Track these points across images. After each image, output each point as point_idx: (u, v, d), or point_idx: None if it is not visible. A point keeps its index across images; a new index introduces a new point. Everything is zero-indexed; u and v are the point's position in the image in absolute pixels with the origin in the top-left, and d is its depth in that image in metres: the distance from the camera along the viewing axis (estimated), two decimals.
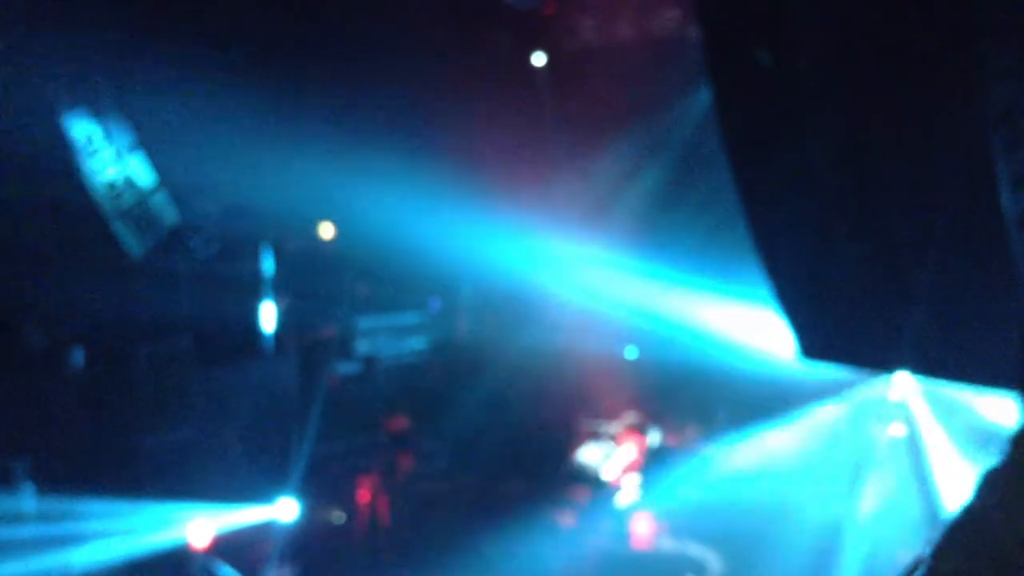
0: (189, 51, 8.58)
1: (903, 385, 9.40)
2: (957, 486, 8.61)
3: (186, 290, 9.71)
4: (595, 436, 10.95)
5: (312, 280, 10.78)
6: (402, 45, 10.02)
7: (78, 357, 9.09)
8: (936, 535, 1.65)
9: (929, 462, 9.42)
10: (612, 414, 11.09)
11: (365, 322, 11.50)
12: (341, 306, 11.00)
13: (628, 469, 10.61)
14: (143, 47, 8.39)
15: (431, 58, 10.31)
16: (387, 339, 11.68)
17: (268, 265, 10.47)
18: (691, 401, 10.94)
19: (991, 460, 1.72)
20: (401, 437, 10.92)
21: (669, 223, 10.73)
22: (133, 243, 8.77)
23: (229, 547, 9.04)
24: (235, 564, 8.96)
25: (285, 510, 9.33)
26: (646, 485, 10.46)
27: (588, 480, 10.58)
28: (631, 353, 11.82)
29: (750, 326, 9.79)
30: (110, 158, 7.69)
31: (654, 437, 10.92)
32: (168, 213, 9.24)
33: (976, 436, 8.54)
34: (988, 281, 2.78)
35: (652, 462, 10.69)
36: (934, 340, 2.97)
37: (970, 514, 1.62)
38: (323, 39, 9.59)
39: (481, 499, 10.07)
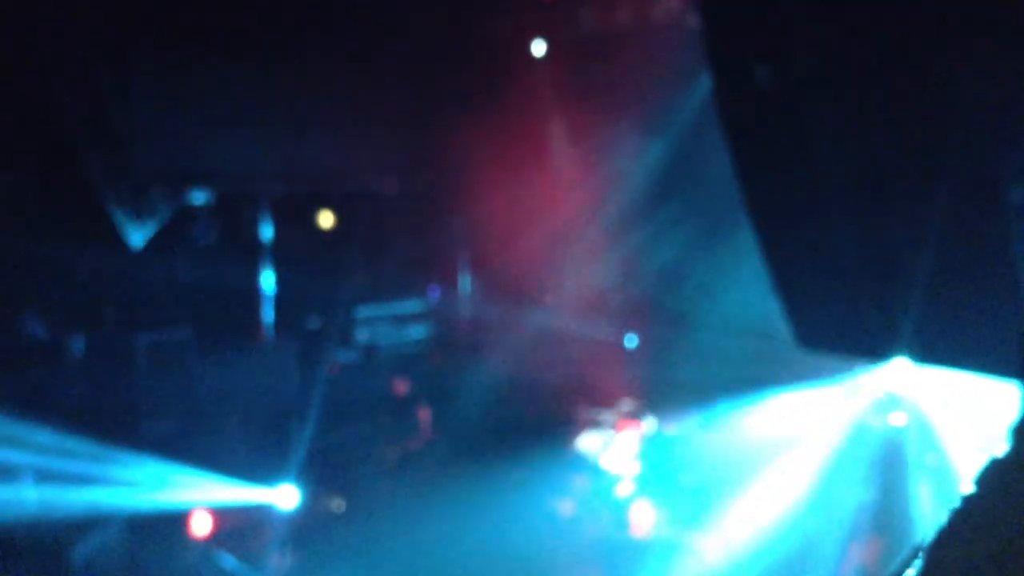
0: (186, 38, 8.56)
1: (903, 373, 9.40)
2: (959, 475, 8.62)
3: (185, 278, 9.72)
4: (595, 424, 10.96)
5: (312, 268, 10.79)
6: (399, 32, 10.00)
7: (78, 346, 9.10)
8: (937, 524, 1.65)
9: (930, 451, 9.43)
10: (611, 402, 11.10)
11: (365, 311, 11.50)
12: (341, 294, 11.01)
13: (627, 457, 10.62)
14: (137, 36, 8.37)
15: (428, 46, 10.28)
16: (387, 328, 11.68)
17: (267, 253, 10.48)
18: (690, 389, 10.94)
19: (993, 449, 1.72)
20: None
21: (669, 209, 10.72)
22: (132, 232, 8.77)
23: (230, 535, 9.06)
24: (236, 552, 8.99)
25: (285, 498, 9.35)
26: (645, 473, 10.47)
27: (587, 468, 10.60)
28: (630, 341, 11.83)
29: (749, 313, 9.79)
30: None
31: (653, 425, 10.92)
32: (167, 202, 9.23)
33: (977, 425, 8.53)
34: (987, 268, 2.78)
35: (651, 450, 10.70)
36: (934, 327, 2.97)
37: (971, 503, 1.62)
38: (318, 26, 9.56)
39: (481, 487, 10.08)
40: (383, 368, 11.42)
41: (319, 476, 9.84)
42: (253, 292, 10.38)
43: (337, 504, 10.17)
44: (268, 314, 10.44)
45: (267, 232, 10.49)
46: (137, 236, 8.75)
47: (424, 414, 11.15)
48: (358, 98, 10.08)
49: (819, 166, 2.92)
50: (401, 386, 11.36)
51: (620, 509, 10.19)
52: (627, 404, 11.07)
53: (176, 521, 8.81)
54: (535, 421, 10.94)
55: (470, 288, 12.19)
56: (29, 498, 7.98)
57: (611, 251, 11.15)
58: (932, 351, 3.09)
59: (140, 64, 8.69)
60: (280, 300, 10.50)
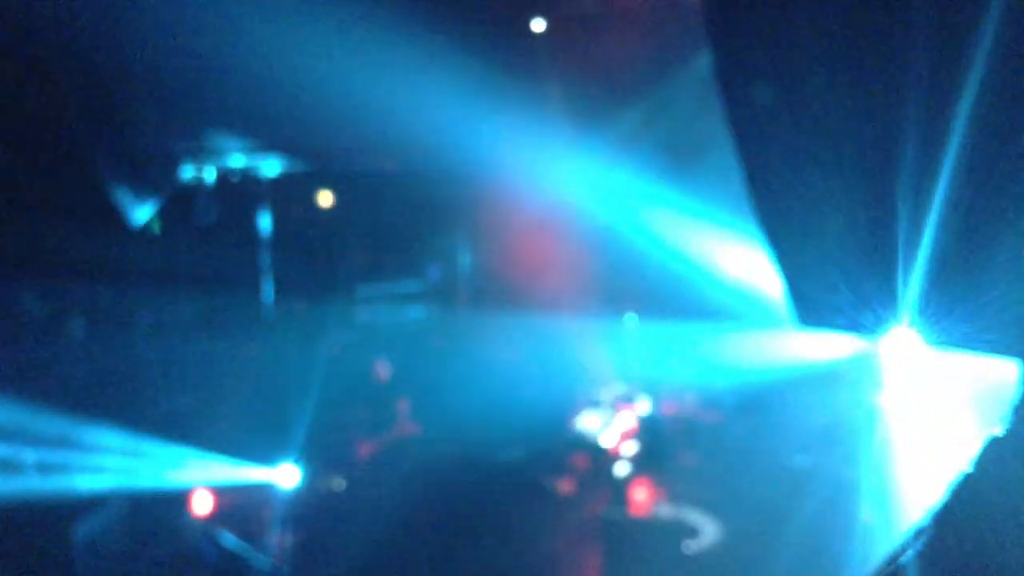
0: (185, 15, 8.50)
1: (902, 352, 9.39)
2: (958, 454, 8.63)
3: (186, 257, 9.71)
4: (594, 403, 10.98)
5: (312, 247, 10.78)
6: (397, 9, 9.93)
7: (78, 326, 9.09)
8: (937, 504, 1.65)
9: (928, 430, 9.44)
10: (610, 381, 11.12)
11: (365, 290, 11.49)
12: (341, 274, 11.00)
13: (627, 436, 10.65)
14: (136, 11, 8.30)
15: (426, 24, 10.21)
16: (387, 307, 11.67)
17: (268, 232, 10.46)
18: (689, 368, 10.96)
19: (992, 429, 1.72)
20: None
21: (668, 191, 10.70)
22: (133, 210, 8.74)
23: (231, 514, 9.09)
24: (236, 530, 9.02)
25: (286, 477, 9.38)
26: (645, 452, 10.50)
27: (587, 447, 10.62)
28: (630, 320, 11.84)
29: (747, 294, 9.78)
30: None
31: (652, 404, 10.94)
32: (167, 180, 9.19)
33: (976, 404, 8.54)
34: (987, 247, 2.77)
35: (651, 429, 10.73)
36: (934, 306, 2.97)
37: (971, 483, 1.62)
38: (318, 3, 9.50)
39: (481, 466, 10.11)
40: (383, 348, 11.42)
41: (320, 456, 9.86)
42: (253, 272, 10.37)
43: (337, 483, 10.21)
44: (268, 294, 10.43)
45: (267, 211, 10.47)
46: (137, 215, 8.72)
47: (424, 393, 11.16)
48: (357, 76, 10.02)
49: (820, 145, 2.91)
50: (401, 366, 11.37)
51: (619, 488, 10.22)
52: (626, 383, 11.09)
53: (177, 500, 8.84)
54: (535, 399, 10.96)
55: (470, 267, 12.18)
56: (29, 478, 8.00)
57: (610, 231, 11.12)
58: (932, 330, 3.08)
59: (139, 40, 8.63)
60: (280, 280, 10.49)
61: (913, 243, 2.94)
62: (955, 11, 2.41)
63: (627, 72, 10.59)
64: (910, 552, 1.64)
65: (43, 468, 8.07)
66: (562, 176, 11.27)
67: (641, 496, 10.10)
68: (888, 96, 2.80)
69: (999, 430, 1.73)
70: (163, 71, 8.78)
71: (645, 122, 10.86)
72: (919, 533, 1.63)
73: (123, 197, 7.93)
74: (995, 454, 1.69)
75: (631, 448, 10.57)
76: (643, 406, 10.93)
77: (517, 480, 9.88)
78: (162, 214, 9.07)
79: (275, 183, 10.56)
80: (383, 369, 11.26)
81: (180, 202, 9.60)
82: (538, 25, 11.22)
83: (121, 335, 9.34)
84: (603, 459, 10.49)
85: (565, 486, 10.28)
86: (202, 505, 8.90)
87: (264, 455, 9.28)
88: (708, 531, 9.48)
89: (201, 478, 8.88)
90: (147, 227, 8.45)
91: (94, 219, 8.48)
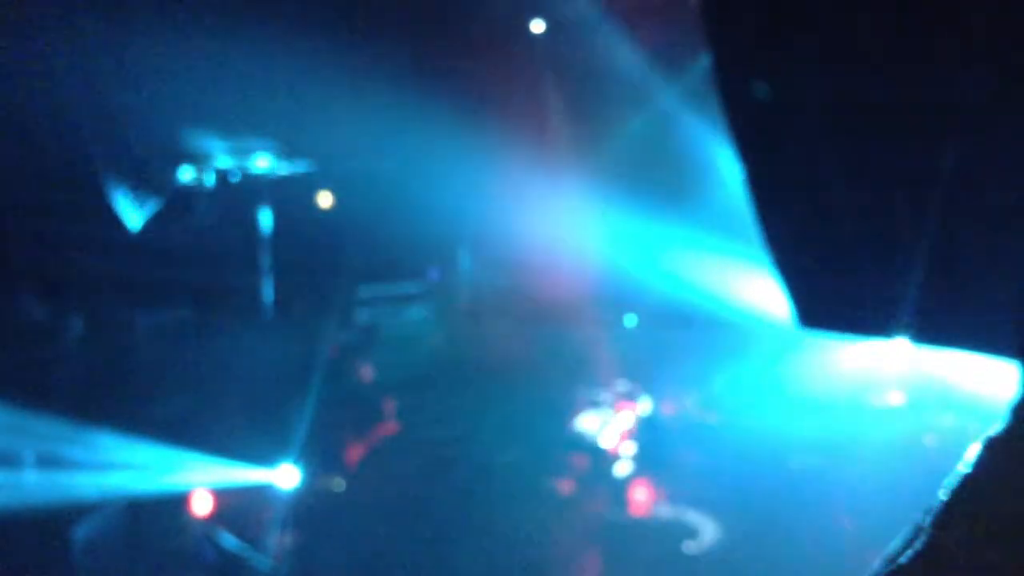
0: (185, 14, 8.51)
1: (902, 353, 9.41)
2: (957, 454, 8.63)
3: (185, 259, 9.71)
4: (593, 404, 10.97)
5: (311, 248, 10.77)
6: (398, 10, 9.94)
7: (77, 328, 9.09)
8: (936, 505, 1.64)
9: (927, 430, 9.45)
10: (609, 382, 11.11)
11: (364, 291, 11.49)
12: (340, 275, 10.99)
13: (626, 436, 10.65)
14: (135, 11, 8.31)
15: (427, 24, 10.22)
16: (386, 308, 11.67)
17: (267, 233, 10.46)
18: (688, 369, 10.96)
19: (991, 428, 1.72)
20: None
21: (668, 190, 10.70)
22: (131, 212, 8.75)
23: (230, 514, 9.10)
24: (236, 531, 9.02)
25: (286, 477, 9.38)
26: (645, 452, 10.50)
27: (587, 448, 10.62)
28: (629, 321, 11.84)
29: (748, 293, 9.79)
30: None
31: (651, 405, 10.94)
32: (167, 181, 9.20)
33: (976, 404, 8.55)
34: (988, 247, 2.76)
35: (650, 429, 10.73)
36: (934, 307, 2.96)
37: (970, 483, 1.61)
38: (318, 5, 9.50)
39: (481, 467, 10.11)
40: (383, 348, 11.42)
41: (319, 456, 9.86)
42: (253, 272, 10.37)
43: (337, 484, 10.21)
44: (268, 294, 10.43)
45: (267, 211, 10.47)
46: (135, 216, 8.73)
47: (423, 394, 11.16)
48: (357, 77, 10.03)
49: (819, 142, 2.90)
50: (400, 366, 11.37)
51: (619, 488, 10.22)
52: (625, 383, 11.09)
53: (177, 502, 8.84)
54: (535, 400, 10.96)
55: (470, 268, 12.18)
56: (29, 480, 8.00)
57: (609, 230, 11.13)
58: (933, 331, 3.07)
59: (138, 41, 8.64)
60: (280, 280, 10.49)
61: (913, 242, 2.94)
62: (957, 8, 2.41)
63: (627, 72, 10.60)
64: (909, 552, 1.63)
65: (43, 469, 8.07)
66: (563, 174, 11.27)
67: (641, 496, 10.10)
68: (889, 94, 2.80)
69: (999, 430, 1.73)
70: (163, 71, 8.78)
71: (642, 122, 10.87)
72: (918, 533, 1.62)
73: (122, 198, 7.93)
74: (994, 454, 1.69)
75: (631, 448, 10.56)
76: (643, 406, 10.92)
77: (517, 480, 9.88)
78: (161, 215, 9.08)
79: (275, 183, 10.56)
80: (382, 370, 11.26)
81: (179, 203, 9.60)
82: (537, 26, 11.23)
83: (120, 336, 9.34)
84: (603, 459, 10.48)
85: (565, 486, 10.27)
86: (201, 506, 8.91)
87: (263, 456, 9.28)
88: (708, 531, 9.48)
89: (200, 479, 8.88)
90: (146, 228, 8.46)
91: (93, 221, 8.49)
